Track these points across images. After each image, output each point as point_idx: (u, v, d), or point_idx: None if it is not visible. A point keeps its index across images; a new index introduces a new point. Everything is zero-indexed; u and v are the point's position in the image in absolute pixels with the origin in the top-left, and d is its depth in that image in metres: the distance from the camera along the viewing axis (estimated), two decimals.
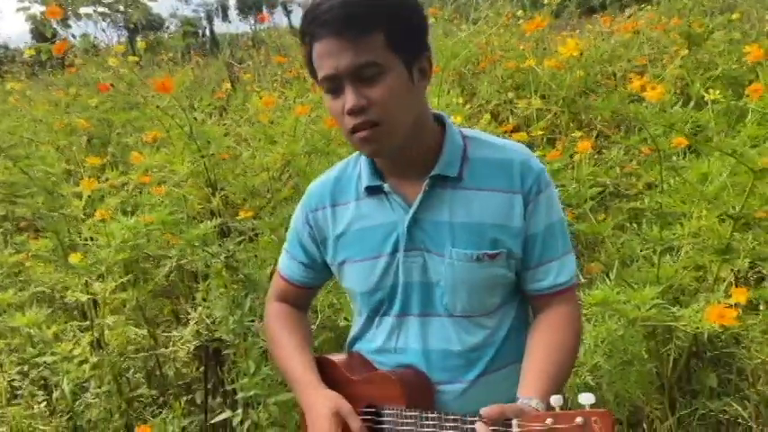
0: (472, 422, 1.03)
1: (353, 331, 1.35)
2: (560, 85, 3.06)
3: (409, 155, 1.17)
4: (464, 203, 1.17)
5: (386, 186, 1.20)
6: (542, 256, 1.20)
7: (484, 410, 1.00)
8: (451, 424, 1.07)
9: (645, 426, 2.14)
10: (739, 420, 2.06)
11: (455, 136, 1.21)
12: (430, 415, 1.11)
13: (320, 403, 1.20)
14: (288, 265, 1.38)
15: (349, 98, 1.07)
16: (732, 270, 2.05)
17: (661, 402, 2.11)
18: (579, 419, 0.90)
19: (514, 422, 0.97)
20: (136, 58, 3.82)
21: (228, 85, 4.20)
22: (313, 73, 1.12)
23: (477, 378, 1.21)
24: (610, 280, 1.97)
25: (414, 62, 1.11)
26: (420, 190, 1.17)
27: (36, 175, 2.98)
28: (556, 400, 0.95)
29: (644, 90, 1.89)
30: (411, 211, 1.18)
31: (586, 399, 0.92)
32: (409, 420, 1.13)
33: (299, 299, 1.42)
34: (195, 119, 2.23)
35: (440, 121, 1.22)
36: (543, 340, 1.18)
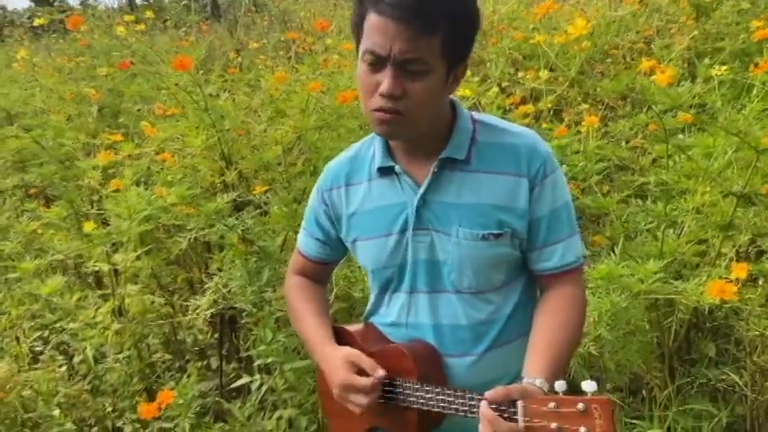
0: (479, 399, 1.08)
1: (368, 306, 1.42)
2: (568, 64, 3.07)
3: (421, 139, 1.22)
4: (471, 185, 1.21)
5: (397, 167, 1.25)
6: (548, 239, 1.24)
7: (488, 394, 1.05)
8: (460, 400, 1.13)
9: (644, 393, 2.23)
10: (735, 389, 2.15)
11: (465, 121, 1.25)
12: (439, 389, 1.17)
13: (334, 356, 1.27)
14: (305, 242, 1.45)
15: (387, 82, 1.09)
16: (733, 246, 2.11)
17: (661, 371, 2.19)
18: (581, 405, 0.95)
19: (519, 404, 1.01)
20: (142, 27, 3.82)
21: (235, 55, 4.20)
22: (357, 35, 1.14)
23: (486, 351, 1.27)
24: (614, 254, 2.03)
25: (454, 68, 1.14)
26: (429, 172, 1.22)
27: (48, 145, 3.03)
28: (560, 385, 0.99)
29: (653, 72, 1.91)
30: (420, 192, 1.23)
31: (589, 386, 0.96)
32: (421, 393, 1.20)
33: (317, 273, 1.49)
34: (210, 95, 2.26)
35: (452, 106, 1.27)
36: (548, 320, 1.23)
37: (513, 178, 1.21)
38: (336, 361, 1.26)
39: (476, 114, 1.29)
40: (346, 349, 1.27)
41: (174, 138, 2.46)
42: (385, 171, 1.27)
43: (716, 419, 2.05)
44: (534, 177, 1.21)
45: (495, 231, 1.20)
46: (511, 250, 1.24)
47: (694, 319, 2.31)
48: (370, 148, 1.32)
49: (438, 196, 1.23)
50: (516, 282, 1.30)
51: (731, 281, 1.69)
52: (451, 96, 1.26)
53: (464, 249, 1.21)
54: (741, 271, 1.72)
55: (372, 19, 1.09)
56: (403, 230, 1.25)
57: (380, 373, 1.21)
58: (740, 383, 2.10)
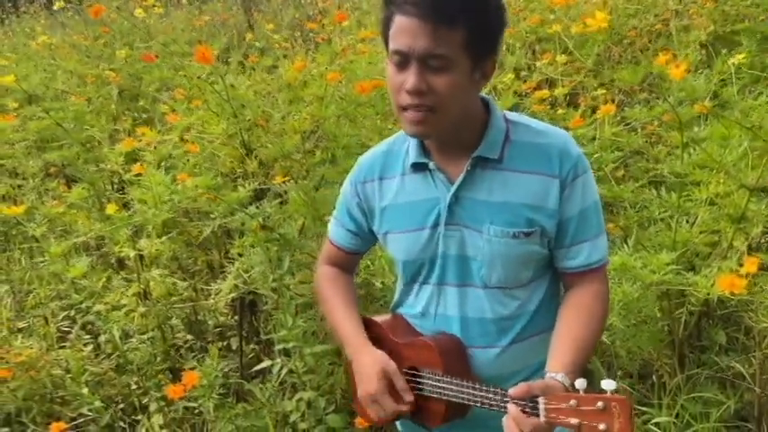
0: (503, 393, 1.13)
1: (396, 297, 1.47)
2: (586, 50, 3.06)
3: (455, 137, 1.25)
4: (503, 184, 1.25)
5: (431, 164, 1.28)
6: (575, 237, 1.27)
7: (512, 391, 1.09)
8: (483, 393, 1.19)
9: (654, 380, 2.27)
10: (744, 376, 2.19)
11: (499, 120, 1.28)
12: (464, 383, 1.23)
13: (369, 363, 1.32)
14: (337, 231, 1.50)
15: (412, 79, 1.13)
16: (746, 238, 2.13)
17: (671, 358, 2.23)
18: (600, 404, 0.98)
19: (541, 400, 1.06)
20: (160, 10, 3.85)
21: (252, 37, 4.22)
22: (386, 38, 1.18)
23: (510, 344, 1.31)
24: (628, 246, 2.06)
25: (480, 63, 1.17)
26: (463, 169, 1.26)
27: (69, 127, 3.09)
28: (580, 383, 1.03)
29: (667, 64, 1.92)
30: (453, 189, 1.26)
31: (608, 384, 1.00)
32: (446, 385, 1.25)
33: (347, 263, 1.54)
34: (232, 85, 2.30)
35: (485, 104, 1.30)
36: (573, 316, 1.27)
37: (545, 178, 1.23)
38: (372, 369, 1.30)
39: (509, 114, 1.31)
40: (384, 360, 1.31)
41: (195, 124, 2.51)
42: (419, 167, 1.31)
43: (724, 407, 2.09)
44: (565, 178, 1.24)
45: (525, 230, 1.24)
46: (540, 248, 1.27)
47: (705, 308, 2.34)
48: (405, 143, 1.35)
49: (470, 193, 1.26)
50: (542, 279, 1.34)
51: (741, 275, 1.72)
52: (486, 96, 1.29)
53: (495, 246, 1.25)
54: (752, 265, 1.75)
55: (397, 20, 1.13)
56: (435, 225, 1.29)
57: (409, 398, 1.29)
58: (747, 375, 2.14)
